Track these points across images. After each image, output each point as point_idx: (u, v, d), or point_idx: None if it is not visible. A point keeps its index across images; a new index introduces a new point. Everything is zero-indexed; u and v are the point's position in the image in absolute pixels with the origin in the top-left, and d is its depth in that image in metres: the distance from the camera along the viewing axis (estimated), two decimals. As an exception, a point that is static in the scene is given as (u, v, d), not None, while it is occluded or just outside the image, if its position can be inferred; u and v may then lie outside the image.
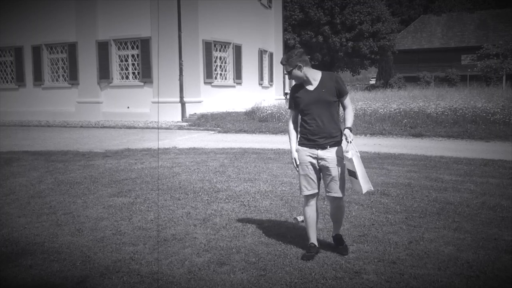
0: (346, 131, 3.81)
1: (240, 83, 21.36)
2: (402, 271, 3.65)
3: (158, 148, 11.01)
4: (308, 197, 4.05)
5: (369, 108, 15.62)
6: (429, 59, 41.90)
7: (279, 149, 10.36)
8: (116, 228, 4.91)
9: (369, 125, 14.39)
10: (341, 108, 4.06)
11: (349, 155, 3.81)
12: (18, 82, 21.90)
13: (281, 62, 4.01)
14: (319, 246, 4.10)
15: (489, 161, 8.37)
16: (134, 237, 4.63)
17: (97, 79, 19.71)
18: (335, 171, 3.92)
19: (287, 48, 30.64)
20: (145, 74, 18.91)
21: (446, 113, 14.25)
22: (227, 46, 20.58)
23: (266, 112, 17.10)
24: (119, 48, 19.54)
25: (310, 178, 3.99)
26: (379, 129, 13.73)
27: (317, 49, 36.40)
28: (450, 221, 4.91)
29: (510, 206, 5.42)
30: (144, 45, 18.78)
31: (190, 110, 18.39)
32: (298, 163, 4.04)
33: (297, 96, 4.00)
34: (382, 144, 11.39)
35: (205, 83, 19.28)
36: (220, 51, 20.28)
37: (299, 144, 4.06)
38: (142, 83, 19.10)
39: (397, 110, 15.01)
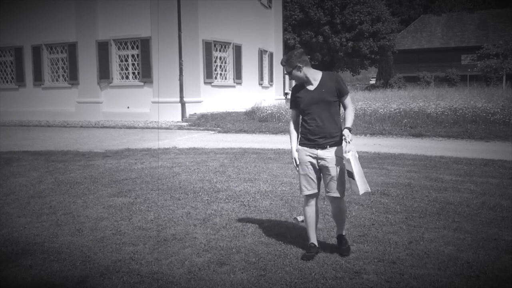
0: (345, 131, 3.81)
1: (240, 83, 21.35)
2: (402, 271, 3.65)
3: (158, 148, 11.01)
4: (308, 197, 4.05)
5: (369, 108, 15.62)
6: (429, 59, 41.89)
7: (279, 149, 10.36)
8: (116, 228, 4.91)
9: (369, 125, 14.39)
10: (341, 108, 4.06)
11: (347, 155, 3.81)
12: (18, 82, 21.90)
13: (281, 63, 4.02)
14: (319, 246, 4.10)
15: (489, 161, 8.37)
16: (134, 237, 4.63)
17: (97, 79, 19.71)
18: (334, 171, 3.91)
19: (287, 48, 30.64)
20: (145, 74, 18.90)
21: (446, 113, 14.25)
22: (227, 46, 20.58)
23: (266, 112, 17.10)
24: (119, 48, 19.54)
25: (310, 178, 3.99)
26: (379, 129, 13.73)
27: (317, 49, 36.40)
28: (450, 221, 4.91)
29: (510, 206, 5.42)
30: (144, 45, 18.78)
31: (190, 110, 18.39)
32: (298, 163, 4.04)
33: (297, 96, 4.00)
34: (382, 144, 11.39)
35: (205, 83, 19.28)
36: (220, 51, 20.28)
37: (299, 144, 4.06)
38: (142, 83, 19.10)
39: (397, 110, 15.00)
